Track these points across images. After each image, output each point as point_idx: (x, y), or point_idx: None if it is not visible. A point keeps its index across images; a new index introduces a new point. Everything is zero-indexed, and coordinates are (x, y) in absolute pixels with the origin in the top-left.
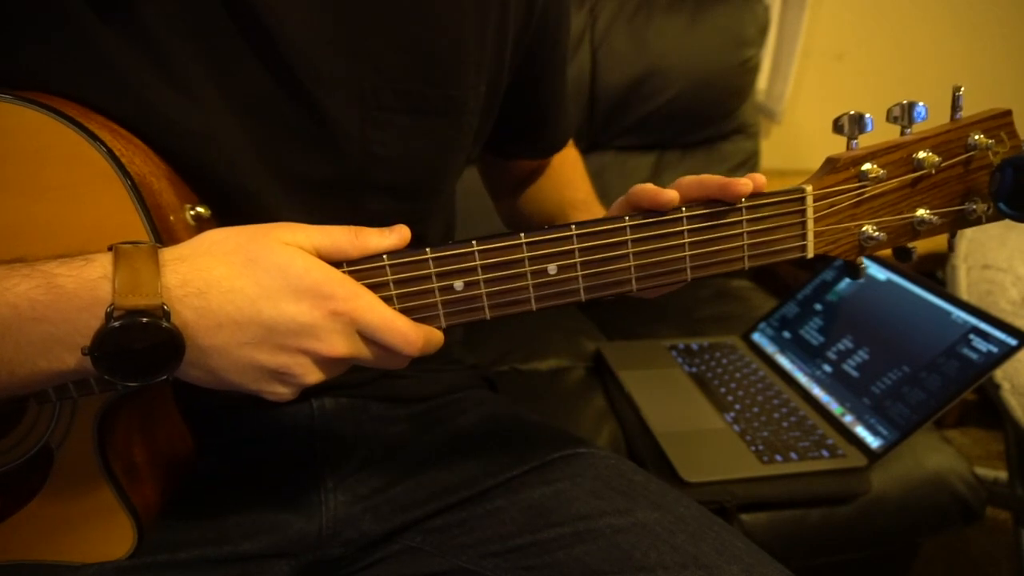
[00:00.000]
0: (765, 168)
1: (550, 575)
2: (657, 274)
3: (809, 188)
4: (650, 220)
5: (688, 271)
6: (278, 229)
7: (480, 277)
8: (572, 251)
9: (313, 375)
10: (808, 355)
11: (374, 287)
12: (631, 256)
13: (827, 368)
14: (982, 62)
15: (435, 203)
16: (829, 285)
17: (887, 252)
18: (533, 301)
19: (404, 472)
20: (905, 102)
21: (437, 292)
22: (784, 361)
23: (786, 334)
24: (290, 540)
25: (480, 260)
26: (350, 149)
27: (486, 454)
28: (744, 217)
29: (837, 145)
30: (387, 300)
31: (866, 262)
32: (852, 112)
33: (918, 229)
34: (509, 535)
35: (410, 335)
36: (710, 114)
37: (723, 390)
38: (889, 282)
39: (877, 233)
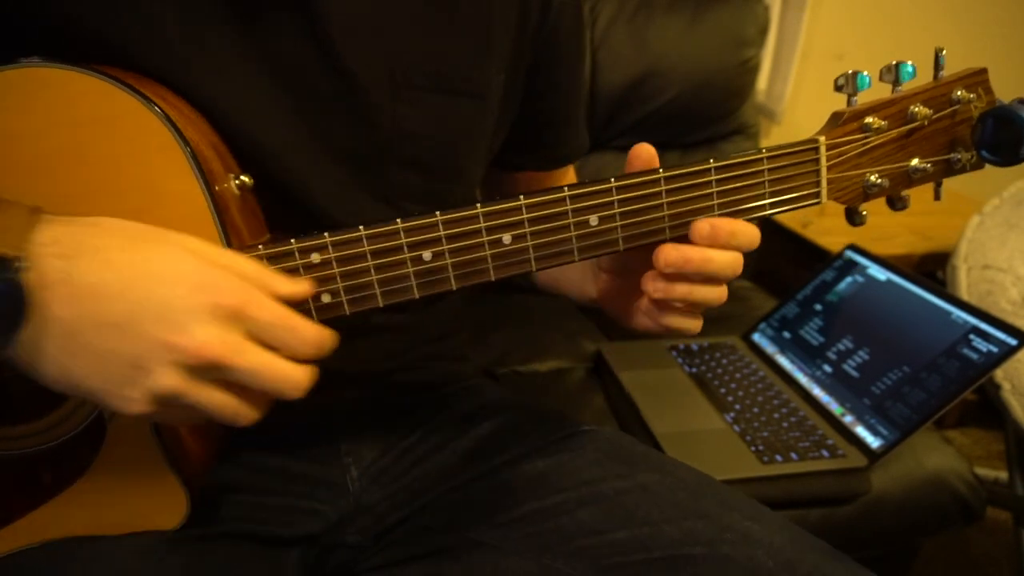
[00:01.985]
0: None
1: (555, 539)
2: (689, 222)
3: (822, 139)
4: (681, 171)
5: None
6: (191, 237)
7: (527, 230)
8: (612, 203)
9: (167, 378)
10: (808, 355)
11: (428, 242)
12: (665, 206)
13: (827, 368)
14: (982, 62)
15: (456, 186)
16: (829, 285)
17: (885, 251)
18: (576, 252)
19: (416, 458)
20: (894, 62)
21: (487, 246)
22: (784, 361)
23: (786, 334)
24: (320, 528)
25: (527, 214)
26: (380, 121)
27: (492, 436)
28: (765, 166)
29: None
30: (440, 255)
31: (866, 262)
32: (850, 71)
33: (913, 177)
34: (513, 505)
35: (307, 334)
36: (710, 114)
37: (723, 390)
38: (889, 282)
39: (880, 180)
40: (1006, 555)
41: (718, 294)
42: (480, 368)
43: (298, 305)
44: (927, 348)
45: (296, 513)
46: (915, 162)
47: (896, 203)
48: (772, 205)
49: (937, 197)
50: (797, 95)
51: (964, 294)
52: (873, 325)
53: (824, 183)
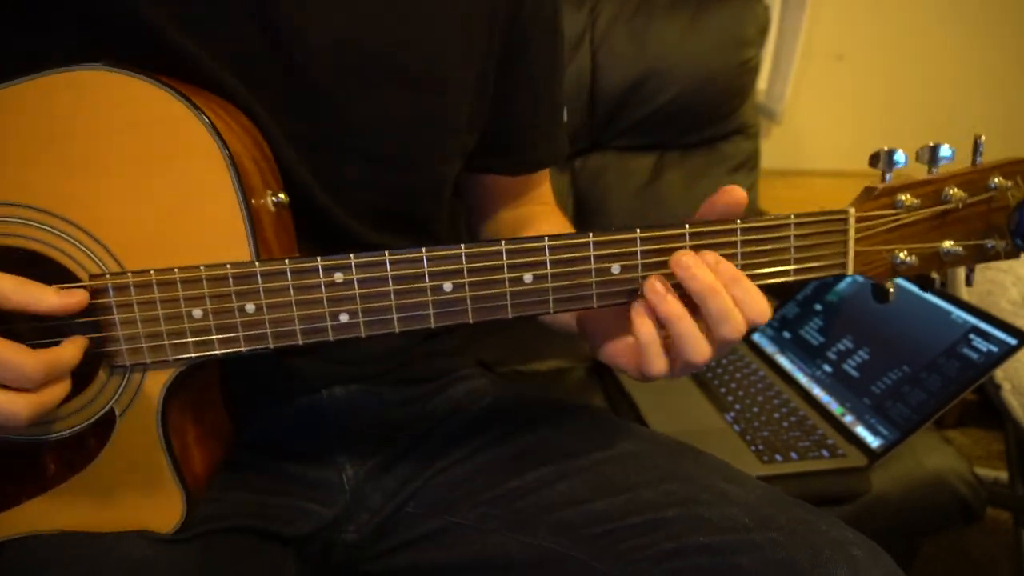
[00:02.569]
0: (765, 168)
1: (535, 512)
2: None
3: (852, 210)
4: (707, 229)
5: None
6: None
7: (548, 271)
8: (635, 252)
9: None
10: (808, 355)
11: (450, 273)
12: None
13: (827, 368)
14: (982, 62)
15: (421, 180)
16: (829, 285)
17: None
18: (595, 299)
19: (406, 449)
20: (931, 144)
21: (507, 283)
22: (784, 361)
23: (786, 334)
24: (317, 528)
25: (550, 255)
26: (326, 111)
27: (476, 420)
28: (792, 232)
29: (837, 146)
30: (461, 287)
31: None
32: (886, 148)
33: (944, 259)
34: (495, 484)
35: (26, 365)
36: (710, 115)
37: (723, 390)
38: None
39: (909, 258)
40: (1006, 555)
41: (701, 345)
42: (476, 359)
43: (314, 320)
44: (927, 348)
45: (294, 513)
46: (947, 244)
47: (926, 283)
48: (796, 272)
49: (968, 283)
50: (797, 95)
51: (964, 294)
52: (873, 325)
53: (851, 255)
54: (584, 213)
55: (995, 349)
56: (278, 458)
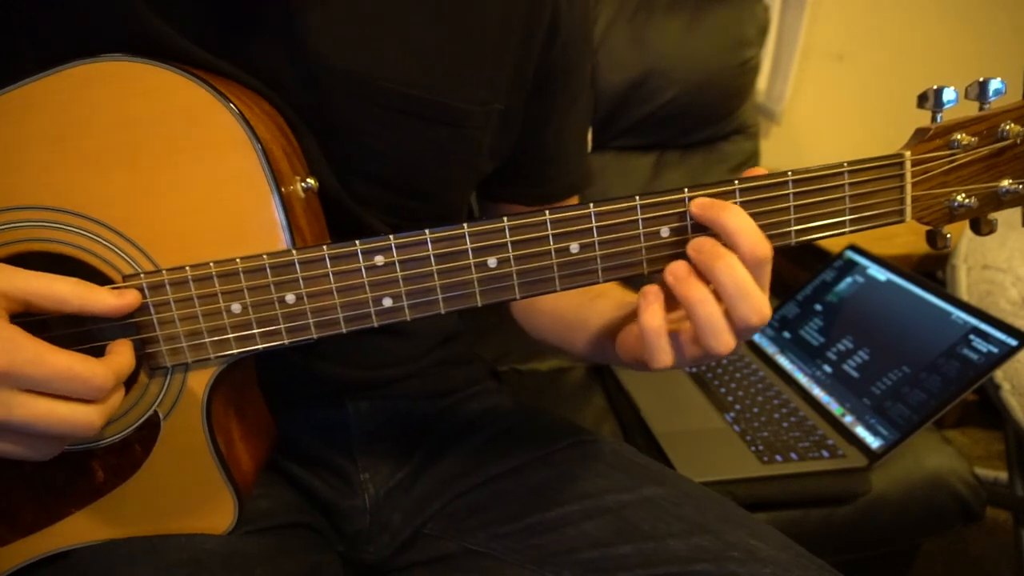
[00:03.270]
0: (765, 168)
1: (558, 550)
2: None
3: (907, 153)
4: (757, 184)
5: (793, 235)
6: None
7: (595, 239)
8: (684, 213)
9: None
10: (808, 355)
11: (494, 248)
12: None
13: (827, 368)
14: (982, 62)
15: (431, 206)
16: (829, 285)
17: (885, 251)
18: (645, 264)
19: (424, 468)
20: (982, 79)
21: (554, 254)
22: (784, 361)
23: (786, 334)
24: (342, 542)
25: (596, 222)
26: (340, 129)
27: (494, 444)
28: (846, 181)
29: (837, 145)
30: (506, 261)
31: (866, 262)
32: (934, 86)
33: (1003, 199)
34: (516, 516)
35: (92, 378)
36: (710, 114)
37: (723, 390)
38: (889, 282)
39: (967, 200)
40: (1006, 555)
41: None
42: (485, 368)
43: (357, 307)
44: (927, 348)
45: (316, 531)
46: (1006, 183)
47: (982, 226)
48: (852, 223)
49: None
50: (797, 95)
51: (964, 294)
52: (873, 325)
53: (908, 200)
54: (581, 198)
55: (995, 350)
56: (305, 468)
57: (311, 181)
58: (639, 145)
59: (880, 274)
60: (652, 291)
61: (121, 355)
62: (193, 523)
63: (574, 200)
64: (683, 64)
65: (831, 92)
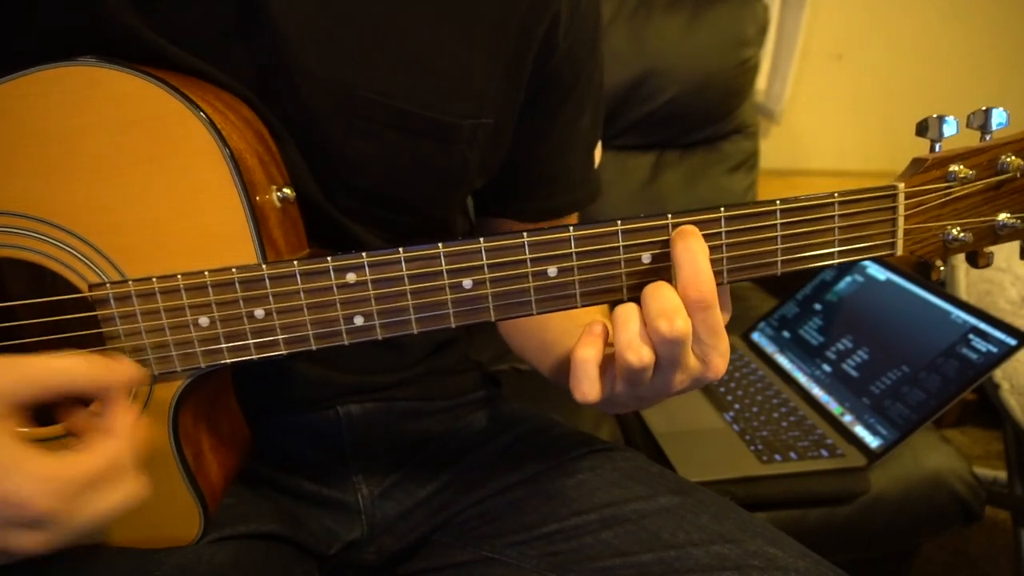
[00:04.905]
0: (764, 168)
1: (577, 559)
2: (749, 267)
3: (901, 185)
4: (743, 212)
5: (779, 264)
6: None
7: (575, 263)
8: (666, 241)
9: (28, 544)
10: (808, 355)
11: (469, 270)
12: (724, 248)
13: (827, 368)
14: (982, 62)
15: (416, 220)
16: (829, 285)
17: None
18: (625, 291)
19: (431, 475)
20: (983, 108)
21: (531, 277)
22: (784, 361)
23: (786, 334)
24: (338, 545)
25: (575, 247)
26: (321, 139)
27: (507, 453)
28: (836, 212)
29: (836, 145)
30: (481, 283)
31: (866, 262)
32: (934, 115)
33: (1000, 233)
34: (533, 524)
35: (124, 455)
36: (709, 114)
37: (722, 390)
38: (889, 282)
39: (963, 234)
40: (1006, 555)
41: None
42: (484, 374)
43: (328, 324)
44: (926, 348)
45: (316, 529)
46: (1003, 216)
47: (978, 260)
48: (841, 254)
49: (1023, 256)
50: (796, 95)
51: (963, 294)
52: (872, 325)
53: (901, 233)
54: (582, 213)
55: (994, 349)
56: (294, 473)
57: (287, 191)
58: (638, 145)
59: (880, 273)
60: (597, 330)
61: (136, 428)
62: (158, 533)
63: (574, 218)
64: (682, 63)
65: (830, 92)
